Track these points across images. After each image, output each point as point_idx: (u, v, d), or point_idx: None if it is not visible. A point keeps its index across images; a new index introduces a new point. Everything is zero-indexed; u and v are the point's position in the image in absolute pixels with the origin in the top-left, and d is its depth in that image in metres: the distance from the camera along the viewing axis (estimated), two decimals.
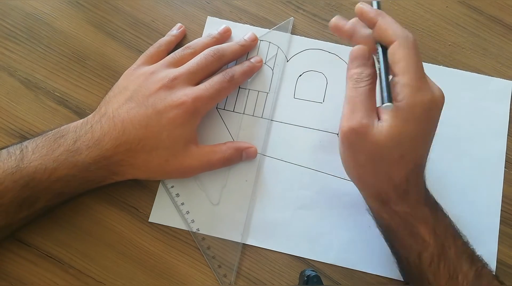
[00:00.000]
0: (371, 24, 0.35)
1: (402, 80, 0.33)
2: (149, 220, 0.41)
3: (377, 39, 0.35)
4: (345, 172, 0.37)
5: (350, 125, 0.33)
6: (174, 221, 0.41)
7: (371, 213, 0.38)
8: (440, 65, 0.45)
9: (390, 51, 0.34)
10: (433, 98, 0.33)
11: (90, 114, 0.40)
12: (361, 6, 0.36)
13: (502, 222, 0.41)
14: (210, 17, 0.47)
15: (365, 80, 0.34)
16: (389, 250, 0.38)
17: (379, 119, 0.33)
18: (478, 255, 0.35)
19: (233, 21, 0.47)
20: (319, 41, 0.46)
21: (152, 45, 0.44)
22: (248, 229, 0.41)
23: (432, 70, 0.45)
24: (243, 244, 0.41)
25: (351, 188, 0.38)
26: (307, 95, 0.45)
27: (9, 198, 0.35)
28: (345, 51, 0.45)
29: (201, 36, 0.46)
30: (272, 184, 0.42)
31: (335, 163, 0.38)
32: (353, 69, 0.35)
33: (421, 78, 0.33)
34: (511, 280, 0.40)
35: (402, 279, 0.39)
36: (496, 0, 0.47)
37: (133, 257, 0.40)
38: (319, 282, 0.34)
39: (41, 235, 0.40)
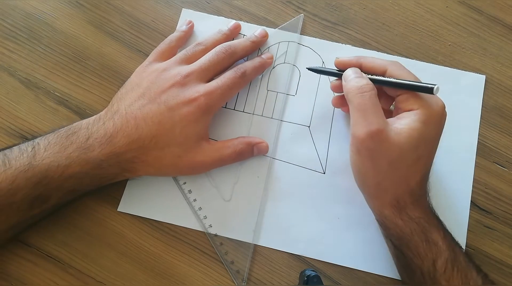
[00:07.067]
0: (357, 66, 0.39)
1: (413, 93, 0.36)
2: (117, 210, 0.41)
3: (370, 72, 0.38)
4: (313, 166, 0.41)
5: (367, 131, 0.34)
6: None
7: (382, 224, 0.37)
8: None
9: (389, 75, 0.37)
10: (443, 107, 0.36)
11: (90, 114, 0.40)
12: (339, 59, 0.40)
13: (473, 209, 0.42)
14: (184, 9, 0.47)
15: (368, 88, 0.36)
16: (356, 242, 0.40)
17: (395, 123, 0.35)
18: (478, 264, 0.36)
19: (207, 14, 0.47)
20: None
21: (163, 41, 0.44)
22: (260, 225, 0.41)
23: (405, 64, 0.45)
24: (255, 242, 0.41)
25: (325, 180, 0.42)
26: (280, 87, 0.45)
27: (21, 195, 0.35)
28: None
29: (177, 29, 0.46)
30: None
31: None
32: (353, 81, 0.37)
33: None
34: (511, 280, 0.40)
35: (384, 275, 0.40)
36: (496, 0, 0.47)
37: (133, 257, 0.40)
38: (319, 282, 0.34)
39: (41, 235, 0.40)
